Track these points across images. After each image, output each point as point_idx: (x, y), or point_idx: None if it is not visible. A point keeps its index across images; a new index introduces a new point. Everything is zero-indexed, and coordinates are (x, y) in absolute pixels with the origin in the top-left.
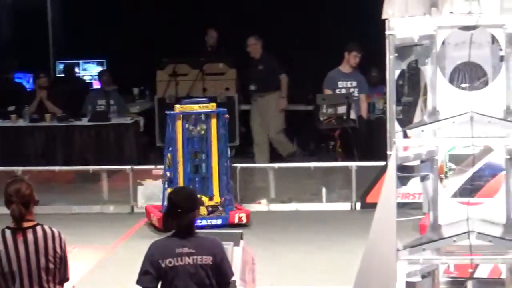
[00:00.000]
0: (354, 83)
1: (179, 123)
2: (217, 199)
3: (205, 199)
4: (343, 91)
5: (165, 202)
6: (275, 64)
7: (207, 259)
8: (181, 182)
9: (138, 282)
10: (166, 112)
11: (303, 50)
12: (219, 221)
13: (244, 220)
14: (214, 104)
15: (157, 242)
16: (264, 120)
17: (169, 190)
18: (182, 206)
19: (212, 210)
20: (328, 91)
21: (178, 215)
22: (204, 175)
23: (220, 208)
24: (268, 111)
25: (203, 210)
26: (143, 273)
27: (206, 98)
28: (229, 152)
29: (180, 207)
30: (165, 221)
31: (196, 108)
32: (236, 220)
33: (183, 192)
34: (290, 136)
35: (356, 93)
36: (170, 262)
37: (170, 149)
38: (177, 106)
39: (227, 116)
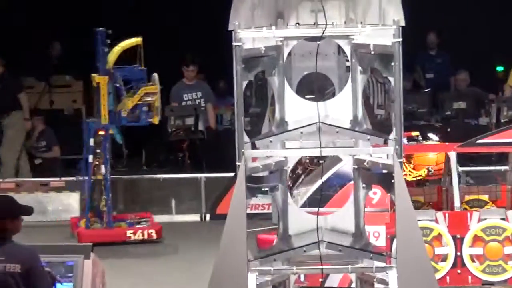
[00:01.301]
0: (200, 94)
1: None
2: None
3: None
4: (189, 103)
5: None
6: (13, 83)
7: (15, 267)
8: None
9: None
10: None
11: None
12: None
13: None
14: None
15: None
16: (8, 140)
17: None
18: None
19: None
20: (174, 105)
21: None
22: None
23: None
24: (8, 132)
25: None
26: None
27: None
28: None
29: None
30: None
31: None
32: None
33: None
34: (139, 147)
35: (203, 104)
36: None
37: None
38: None
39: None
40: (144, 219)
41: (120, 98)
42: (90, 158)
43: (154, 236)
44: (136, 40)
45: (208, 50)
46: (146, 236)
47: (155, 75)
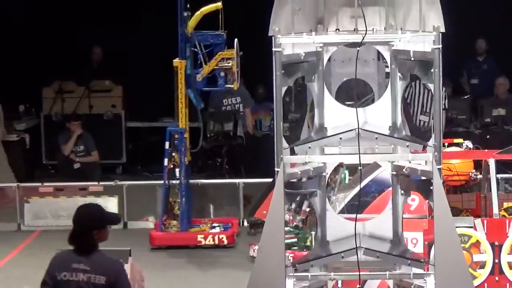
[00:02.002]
0: (239, 99)
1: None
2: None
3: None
4: (229, 108)
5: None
6: None
7: (101, 279)
8: None
9: None
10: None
11: None
12: None
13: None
14: None
15: (59, 254)
16: None
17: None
18: (78, 224)
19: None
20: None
21: (75, 231)
22: None
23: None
24: None
25: None
26: (41, 283)
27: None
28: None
29: (75, 224)
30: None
31: None
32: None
33: (84, 210)
34: None
35: (241, 109)
36: (65, 276)
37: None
38: None
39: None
40: (218, 225)
41: (197, 63)
42: (166, 161)
43: (225, 242)
44: (216, 5)
45: (247, 55)
46: (217, 241)
47: (236, 40)
